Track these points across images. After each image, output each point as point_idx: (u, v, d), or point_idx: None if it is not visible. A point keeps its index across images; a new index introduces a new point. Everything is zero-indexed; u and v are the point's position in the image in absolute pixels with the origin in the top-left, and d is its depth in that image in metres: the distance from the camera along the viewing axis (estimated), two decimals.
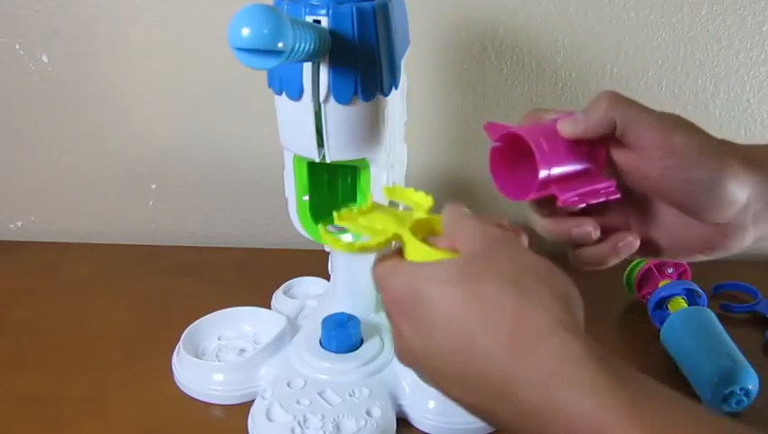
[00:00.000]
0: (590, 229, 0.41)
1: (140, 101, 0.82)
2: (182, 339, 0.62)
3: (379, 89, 0.50)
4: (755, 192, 0.38)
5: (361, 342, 0.60)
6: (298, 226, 0.59)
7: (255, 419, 0.55)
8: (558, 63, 0.79)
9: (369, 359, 0.59)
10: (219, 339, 0.64)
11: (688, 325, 0.64)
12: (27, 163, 0.86)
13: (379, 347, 0.60)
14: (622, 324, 0.73)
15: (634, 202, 0.42)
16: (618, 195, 0.40)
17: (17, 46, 0.80)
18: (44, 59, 0.81)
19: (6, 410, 0.59)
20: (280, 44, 0.37)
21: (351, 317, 0.60)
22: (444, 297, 0.31)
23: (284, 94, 0.50)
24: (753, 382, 0.57)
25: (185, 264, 0.80)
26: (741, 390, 0.57)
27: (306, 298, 0.70)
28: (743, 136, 0.81)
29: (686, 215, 0.40)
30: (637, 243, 0.41)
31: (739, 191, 0.38)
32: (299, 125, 0.51)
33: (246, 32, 0.36)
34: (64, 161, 0.86)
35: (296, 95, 0.49)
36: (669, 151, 0.38)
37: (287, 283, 0.73)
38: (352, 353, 0.59)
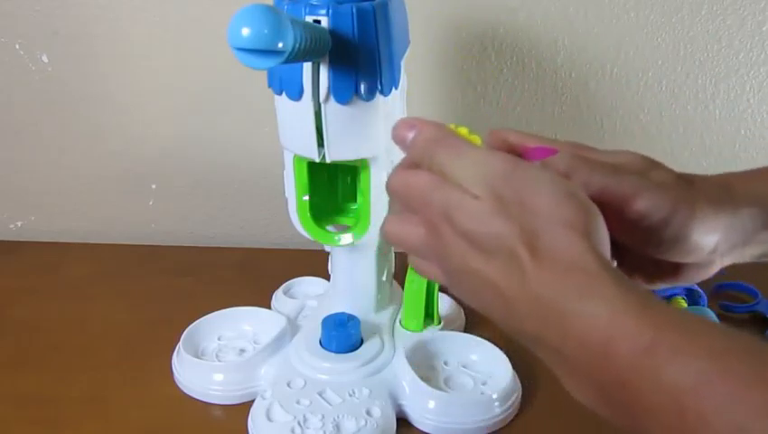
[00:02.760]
0: None
1: (140, 101, 0.82)
2: (182, 339, 0.62)
3: (379, 90, 0.50)
4: (725, 234, 0.38)
5: (361, 342, 0.60)
6: (298, 226, 0.59)
7: (255, 419, 0.55)
8: (558, 63, 0.79)
9: (369, 359, 0.59)
10: (219, 339, 0.64)
11: None
12: (27, 163, 0.86)
13: (378, 347, 0.60)
14: None
15: None
16: None
17: (17, 46, 0.80)
18: (44, 59, 0.81)
19: (6, 410, 0.59)
20: (280, 44, 0.37)
21: (351, 317, 0.60)
22: (477, 208, 0.33)
23: (284, 94, 0.50)
24: None
25: (185, 264, 0.80)
26: None
27: (306, 298, 0.70)
28: (743, 136, 0.81)
29: (647, 255, 0.40)
30: None
31: (707, 237, 0.38)
32: (299, 125, 0.51)
33: (246, 32, 0.36)
34: (64, 161, 0.86)
35: (296, 95, 0.49)
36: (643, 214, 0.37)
37: (287, 283, 0.73)
38: (352, 353, 0.59)
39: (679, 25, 0.77)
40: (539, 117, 0.81)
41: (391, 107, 0.53)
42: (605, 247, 0.33)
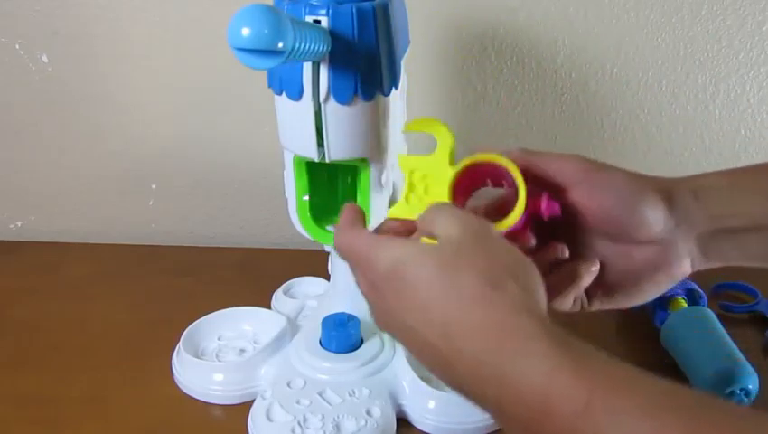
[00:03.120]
0: (562, 245, 0.44)
1: (140, 101, 0.82)
2: (182, 339, 0.62)
3: (379, 89, 0.50)
4: (668, 209, 0.42)
5: (361, 342, 0.60)
6: (298, 226, 0.59)
7: (255, 419, 0.55)
8: (558, 63, 0.79)
9: (369, 359, 0.59)
10: (219, 339, 0.64)
11: (688, 325, 0.64)
12: (27, 163, 0.86)
13: (379, 347, 0.60)
14: (622, 324, 0.73)
15: (575, 248, 0.45)
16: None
17: (17, 46, 0.80)
18: (44, 59, 0.81)
19: (6, 410, 0.59)
20: (280, 44, 0.37)
21: (351, 317, 0.60)
22: (427, 279, 0.34)
23: (284, 94, 0.50)
24: (753, 382, 0.57)
25: (185, 264, 0.80)
26: (741, 390, 0.57)
27: (306, 298, 0.70)
28: (743, 136, 0.81)
29: (616, 242, 0.44)
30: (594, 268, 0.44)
31: (654, 210, 0.42)
32: (299, 125, 0.51)
33: (246, 32, 0.36)
34: (64, 161, 0.86)
35: (296, 95, 0.49)
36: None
37: (287, 283, 0.73)
38: (352, 353, 0.59)
39: (679, 25, 0.77)
40: (539, 117, 0.81)
41: (391, 106, 0.53)
42: (541, 302, 0.35)
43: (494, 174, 0.44)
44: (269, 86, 0.52)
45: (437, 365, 0.34)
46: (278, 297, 0.71)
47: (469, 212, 0.39)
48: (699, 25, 0.76)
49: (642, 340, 0.69)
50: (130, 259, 0.82)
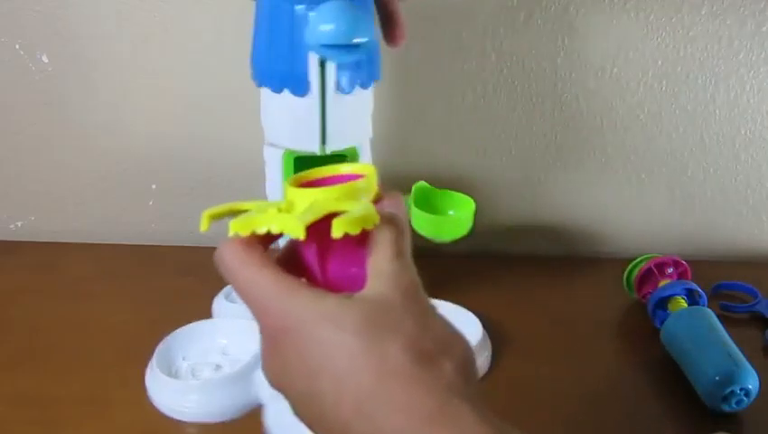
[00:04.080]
0: None
1: (140, 101, 0.82)
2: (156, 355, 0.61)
3: (376, 76, 0.51)
4: None
5: None
6: None
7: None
8: (558, 63, 0.79)
9: None
10: (184, 359, 0.63)
11: (688, 325, 0.64)
12: (27, 163, 0.86)
13: None
14: (622, 324, 0.73)
15: None
16: None
17: (17, 46, 0.80)
18: (44, 59, 0.81)
19: (6, 410, 0.59)
20: (361, 38, 0.38)
21: None
22: (342, 345, 0.29)
23: (285, 92, 0.50)
24: (753, 382, 0.57)
25: (185, 264, 0.80)
26: (741, 390, 0.57)
27: None
28: (743, 136, 0.81)
29: None
30: None
31: None
32: (304, 120, 0.51)
33: (329, 28, 0.37)
34: (64, 161, 0.86)
35: (302, 91, 0.49)
36: None
37: None
38: None
39: (679, 25, 0.77)
40: (539, 117, 0.81)
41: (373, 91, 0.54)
42: (475, 385, 0.31)
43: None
44: (260, 86, 0.52)
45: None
46: None
47: (403, 263, 0.32)
48: (699, 25, 0.76)
49: (642, 340, 0.69)
50: (130, 259, 0.82)
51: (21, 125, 0.84)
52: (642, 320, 0.70)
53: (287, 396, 0.31)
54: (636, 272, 0.72)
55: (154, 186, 0.87)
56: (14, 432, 0.57)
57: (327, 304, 0.29)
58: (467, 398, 0.29)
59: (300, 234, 0.29)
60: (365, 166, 0.36)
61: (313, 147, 0.53)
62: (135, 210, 0.88)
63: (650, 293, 0.71)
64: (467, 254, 0.86)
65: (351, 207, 0.32)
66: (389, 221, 0.33)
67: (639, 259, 0.73)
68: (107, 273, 0.79)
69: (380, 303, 0.30)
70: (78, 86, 0.82)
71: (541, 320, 0.72)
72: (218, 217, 0.34)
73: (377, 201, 0.35)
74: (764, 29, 0.76)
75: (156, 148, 0.84)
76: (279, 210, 0.33)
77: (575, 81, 0.79)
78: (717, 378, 0.57)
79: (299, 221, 0.30)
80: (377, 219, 0.32)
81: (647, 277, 0.72)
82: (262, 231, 0.32)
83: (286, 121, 0.53)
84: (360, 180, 0.34)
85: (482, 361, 0.62)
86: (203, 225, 0.34)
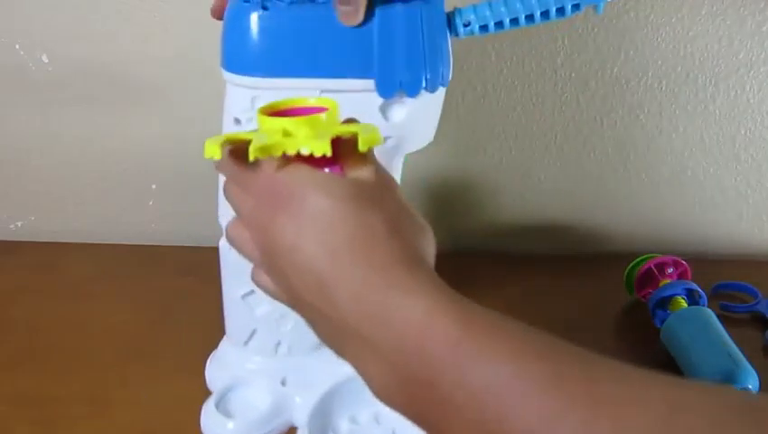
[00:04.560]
0: None
1: (140, 101, 0.82)
2: None
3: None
4: None
5: None
6: None
7: None
8: (558, 63, 0.79)
9: None
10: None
11: (688, 325, 0.64)
12: (27, 163, 0.86)
13: None
14: (622, 324, 0.73)
15: None
16: None
17: (17, 46, 0.80)
18: (44, 59, 0.81)
19: (6, 410, 0.59)
20: None
21: None
22: (331, 207, 0.33)
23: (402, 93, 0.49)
24: (753, 382, 0.57)
25: (185, 264, 0.80)
26: (741, 390, 0.57)
27: None
28: (743, 136, 0.81)
29: None
30: None
31: None
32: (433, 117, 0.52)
33: None
34: (64, 161, 0.86)
35: (435, 87, 0.49)
36: None
37: None
38: None
39: (679, 25, 0.77)
40: (539, 117, 0.81)
41: None
42: (431, 261, 0.36)
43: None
44: (384, 93, 0.48)
45: (316, 290, 0.33)
46: None
47: (379, 165, 0.38)
48: (699, 25, 0.76)
49: (642, 340, 0.69)
50: (130, 259, 0.82)
51: (21, 125, 0.84)
52: (642, 320, 0.70)
53: (272, 252, 0.35)
54: (636, 272, 0.72)
55: (154, 186, 0.87)
56: (14, 432, 0.57)
57: (323, 176, 0.35)
58: (425, 266, 0.33)
59: (328, 151, 0.34)
60: (327, 100, 0.39)
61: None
62: (135, 210, 0.88)
63: (650, 293, 0.71)
64: (467, 254, 0.86)
65: (353, 128, 0.36)
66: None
67: (639, 259, 0.73)
68: (107, 273, 0.79)
69: (368, 184, 0.35)
70: (78, 86, 0.82)
71: (541, 320, 0.72)
72: (222, 145, 0.37)
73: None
74: (764, 29, 0.76)
75: (156, 148, 0.85)
76: (285, 135, 0.36)
77: (575, 81, 0.79)
78: (717, 378, 0.57)
79: (323, 141, 0.34)
80: (381, 140, 0.36)
81: (647, 277, 0.72)
82: (292, 152, 0.35)
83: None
84: (325, 113, 0.37)
85: None
86: (215, 152, 0.36)
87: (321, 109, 0.39)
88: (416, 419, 0.31)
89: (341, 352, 0.34)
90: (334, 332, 0.34)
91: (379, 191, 0.35)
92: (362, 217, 0.33)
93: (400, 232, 0.34)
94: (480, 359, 0.28)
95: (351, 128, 0.36)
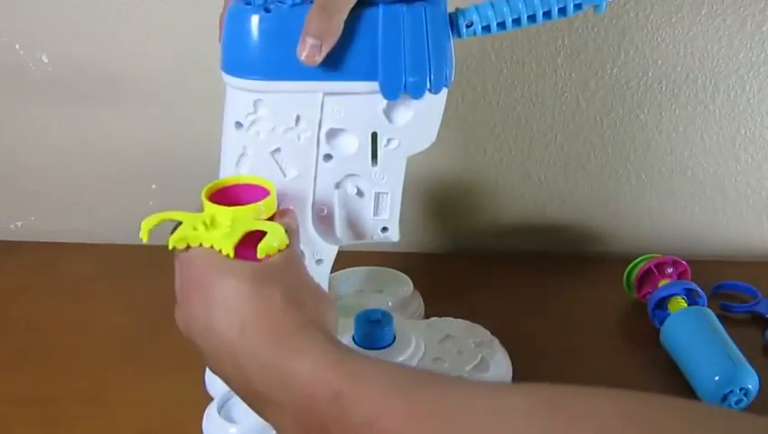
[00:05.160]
0: None
1: (140, 101, 0.82)
2: None
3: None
4: None
5: (394, 338, 0.60)
6: None
7: None
8: (558, 63, 0.79)
9: (402, 355, 0.58)
10: None
11: (688, 325, 0.64)
12: (27, 163, 0.86)
13: (412, 343, 0.59)
14: (622, 324, 0.73)
15: None
16: None
17: (17, 46, 0.80)
18: (44, 59, 0.81)
19: (6, 409, 0.59)
20: None
21: (384, 314, 0.60)
22: (237, 288, 0.39)
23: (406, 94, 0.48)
24: (753, 382, 0.57)
25: None
26: (741, 390, 0.57)
27: None
28: (743, 136, 0.81)
29: None
30: None
31: None
32: (436, 118, 0.52)
33: None
34: (64, 161, 0.86)
35: (439, 88, 0.49)
36: None
37: None
38: (386, 350, 0.58)
39: (679, 25, 0.76)
40: (539, 117, 0.81)
41: None
42: (331, 327, 0.41)
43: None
44: (393, 96, 0.48)
45: (231, 363, 0.39)
46: None
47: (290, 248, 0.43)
48: (699, 25, 0.76)
49: (642, 340, 0.69)
50: (130, 259, 0.82)
51: (21, 125, 0.84)
52: (642, 320, 0.70)
53: (191, 329, 0.41)
54: (636, 272, 0.72)
55: (154, 186, 0.87)
56: (14, 432, 0.57)
57: (232, 262, 0.40)
58: (322, 330, 0.38)
59: (230, 253, 0.41)
60: (265, 181, 0.47)
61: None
62: (135, 210, 0.88)
63: (650, 293, 0.71)
64: (467, 254, 0.86)
65: (264, 227, 0.42)
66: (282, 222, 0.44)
67: (639, 259, 0.73)
68: (107, 273, 0.79)
69: (270, 265, 0.41)
70: (78, 86, 0.82)
71: (541, 320, 0.72)
72: (155, 226, 0.45)
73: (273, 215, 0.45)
74: (764, 29, 0.76)
75: (156, 148, 0.85)
76: (205, 224, 0.43)
77: (575, 81, 0.79)
78: (717, 378, 0.57)
79: (229, 241, 0.41)
80: (286, 242, 0.42)
81: (647, 277, 0.72)
82: (206, 246, 0.42)
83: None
84: (264, 201, 0.44)
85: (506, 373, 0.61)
86: (144, 236, 0.45)
87: (261, 190, 0.46)
88: None
89: (261, 414, 0.39)
90: (252, 398, 0.39)
91: (280, 269, 0.40)
92: (262, 293, 0.39)
93: (297, 303, 0.39)
94: (356, 403, 0.33)
95: (264, 227, 0.42)
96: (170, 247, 0.42)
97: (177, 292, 0.43)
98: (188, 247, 0.42)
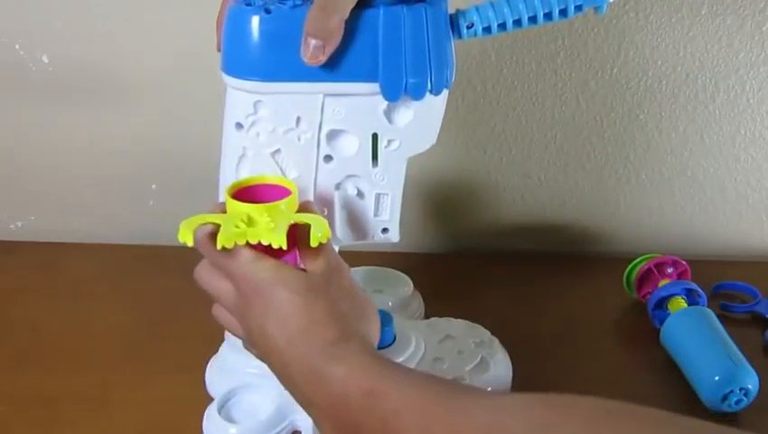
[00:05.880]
0: None
1: (140, 101, 0.82)
2: None
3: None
4: None
5: (394, 338, 0.60)
6: None
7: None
8: (558, 63, 0.79)
9: (403, 355, 0.58)
10: None
11: (688, 325, 0.64)
12: (27, 163, 0.86)
13: (412, 343, 0.59)
14: (622, 324, 0.73)
15: None
16: None
17: (17, 46, 0.80)
18: (44, 59, 0.81)
19: (6, 410, 0.59)
20: None
21: (385, 314, 0.59)
22: (289, 300, 0.42)
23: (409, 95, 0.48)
24: (752, 382, 0.58)
25: (185, 264, 0.80)
26: (741, 389, 0.57)
27: None
28: (743, 136, 0.81)
29: None
30: None
31: None
32: (437, 119, 0.52)
33: None
34: (64, 161, 0.86)
35: (440, 90, 0.49)
36: None
37: None
38: (386, 350, 0.58)
39: (679, 25, 0.77)
40: (539, 117, 0.81)
41: None
42: (371, 336, 0.46)
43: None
44: (395, 97, 0.48)
45: (279, 365, 0.43)
46: None
47: (329, 250, 0.46)
48: (699, 25, 0.76)
49: (642, 340, 0.69)
50: (130, 259, 0.82)
51: (21, 125, 0.84)
52: (642, 320, 0.70)
53: (247, 332, 0.45)
54: (636, 272, 0.72)
55: (154, 186, 0.87)
56: (14, 432, 0.57)
57: (283, 272, 0.43)
58: (360, 339, 0.42)
59: (283, 244, 0.42)
60: (288, 182, 0.48)
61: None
62: (135, 210, 0.88)
63: (650, 293, 0.71)
64: (467, 254, 0.86)
65: (306, 219, 0.44)
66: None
67: (639, 259, 0.73)
68: (107, 273, 0.79)
69: (316, 275, 0.44)
70: (78, 86, 0.82)
71: (541, 320, 0.72)
72: (196, 229, 0.44)
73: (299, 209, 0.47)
74: (764, 29, 0.76)
75: (156, 148, 0.85)
76: (244, 222, 0.44)
77: (575, 81, 0.79)
78: (717, 378, 0.57)
79: (278, 235, 0.42)
80: (329, 232, 0.44)
81: (647, 277, 0.72)
82: (254, 242, 0.43)
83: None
84: (285, 200, 0.45)
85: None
86: (188, 238, 0.43)
87: (282, 189, 0.47)
88: None
89: (310, 415, 0.44)
90: (299, 399, 0.43)
91: (326, 280, 0.44)
92: (310, 306, 0.42)
93: (340, 316, 0.43)
94: (384, 399, 0.38)
95: (306, 219, 0.44)
96: (219, 246, 0.42)
97: (233, 304, 0.46)
98: (235, 244, 0.43)
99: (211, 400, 0.57)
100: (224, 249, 0.42)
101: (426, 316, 0.69)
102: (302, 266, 0.46)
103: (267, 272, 0.43)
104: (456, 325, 0.64)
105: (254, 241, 0.42)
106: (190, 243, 0.43)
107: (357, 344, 0.42)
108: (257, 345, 0.45)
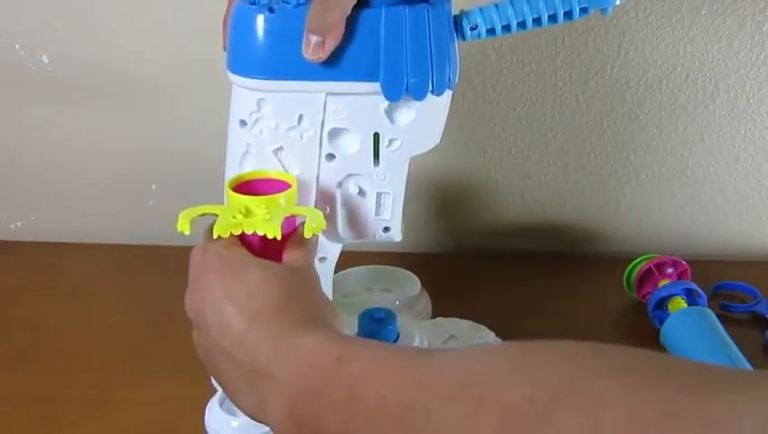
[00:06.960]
0: None
1: (140, 101, 0.82)
2: None
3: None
4: None
5: (398, 337, 0.60)
6: None
7: None
8: (558, 63, 0.79)
9: None
10: None
11: (688, 325, 0.64)
12: (27, 163, 0.86)
13: (415, 341, 0.59)
14: (622, 324, 0.73)
15: None
16: None
17: (17, 46, 0.80)
18: (44, 59, 0.81)
19: (6, 410, 0.59)
20: None
21: (388, 312, 0.59)
22: (265, 280, 0.41)
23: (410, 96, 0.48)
24: None
25: (185, 264, 0.80)
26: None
27: None
28: (743, 136, 0.81)
29: None
30: None
31: None
32: (439, 120, 0.52)
33: None
34: (64, 161, 0.86)
35: (441, 90, 0.50)
36: None
37: None
38: None
39: (679, 25, 0.77)
40: (539, 117, 0.81)
41: None
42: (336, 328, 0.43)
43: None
44: (391, 96, 0.48)
45: (236, 342, 0.40)
46: None
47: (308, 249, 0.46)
48: (699, 25, 0.76)
49: (642, 340, 0.69)
50: (130, 259, 0.82)
51: (21, 125, 0.84)
52: (642, 320, 0.70)
53: (205, 305, 0.42)
54: (636, 272, 0.72)
55: (154, 186, 0.87)
56: (14, 432, 0.57)
57: (263, 260, 0.43)
58: (327, 326, 0.41)
59: (278, 235, 0.42)
60: (289, 176, 0.48)
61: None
62: (135, 210, 0.88)
63: (650, 293, 0.71)
64: (467, 254, 0.86)
65: (302, 211, 0.45)
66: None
67: (639, 259, 0.73)
68: (107, 273, 0.79)
69: (298, 271, 0.43)
70: (78, 86, 0.82)
71: (541, 320, 0.72)
72: (194, 220, 0.46)
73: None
74: (764, 29, 0.76)
75: (156, 148, 0.85)
76: (241, 213, 0.44)
77: (575, 81, 0.79)
78: None
79: (273, 225, 0.42)
80: (323, 225, 0.44)
81: (647, 277, 0.72)
82: (249, 232, 0.43)
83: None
84: (284, 194, 0.45)
85: None
86: (185, 227, 0.45)
87: (283, 184, 0.47)
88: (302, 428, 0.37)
89: (244, 393, 0.41)
90: (244, 374, 0.40)
91: (303, 279, 0.43)
92: (284, 291, 0.41)
93: (311, 306, 0.42)
94: (350, 363, 0.36)
95: (302, 211, 0.45)
96: (214, 236, 0.43)
97: (193, 274, 0.45)
98: (230, 234, 0.43)
99: (212, 397, 0.57)
100: (219, 238, 0.43)
101: (433, 316, 0.69)
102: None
103: (245, 256, 0.43)
104: (461, 326, 0.64)
105: (249, 231, 0.43)
106: (187, 232, 0.44)
107: (328, 328, 0.41)
108: (210, 316, 0.42)
